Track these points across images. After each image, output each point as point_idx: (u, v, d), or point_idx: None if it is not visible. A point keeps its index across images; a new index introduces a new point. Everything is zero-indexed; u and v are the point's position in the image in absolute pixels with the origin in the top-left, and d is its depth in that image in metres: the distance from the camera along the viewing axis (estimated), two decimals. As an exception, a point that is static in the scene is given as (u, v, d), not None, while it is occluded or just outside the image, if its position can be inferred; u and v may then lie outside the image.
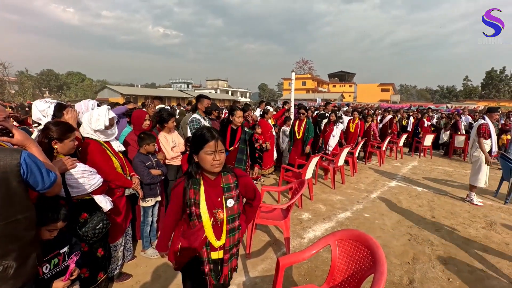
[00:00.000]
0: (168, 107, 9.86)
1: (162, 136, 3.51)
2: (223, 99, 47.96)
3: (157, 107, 5.29)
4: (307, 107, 7.04)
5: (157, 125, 3.70)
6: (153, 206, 3.18)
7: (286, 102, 7.73)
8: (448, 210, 4.79)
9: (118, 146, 2.66)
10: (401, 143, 9.36)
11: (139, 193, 2.77)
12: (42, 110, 2.38)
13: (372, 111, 10.42)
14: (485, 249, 3.57)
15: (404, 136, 9.66)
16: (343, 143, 7.43)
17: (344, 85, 60.95)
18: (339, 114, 8.33)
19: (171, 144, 3.51)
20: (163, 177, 3.25)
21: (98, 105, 2.72)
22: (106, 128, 2.38)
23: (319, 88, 57.86)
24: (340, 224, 4.12)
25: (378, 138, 8.91)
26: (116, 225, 2.50)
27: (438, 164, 8.71)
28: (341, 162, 5.96)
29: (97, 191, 2.00)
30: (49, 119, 2.35)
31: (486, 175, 4.96)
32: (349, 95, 56.56)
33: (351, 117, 8.09)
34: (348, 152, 6.50)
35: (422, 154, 9.83)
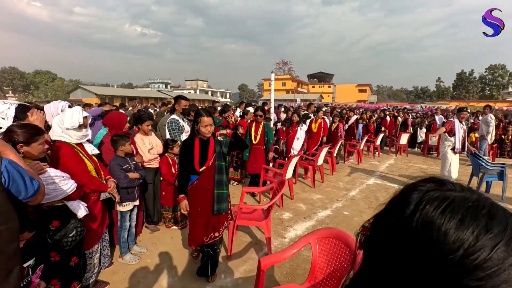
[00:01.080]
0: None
1: (139, 138, 3.42)
2: (202, 99, 47.34)
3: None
4: (288, 108, 7.09)
5: (134, 127, 3.60)
6: (131, 210, 3.09)
7: (265, 103, 7.77)
8: (423, 206, 4.96)
9: (92, 149, 2.56)
10: (378, 142, 9.64)
11: (116, 197, 2.68)
12: (0, 112, 2.15)
13: (338, 111, 10.34)
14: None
15: (381, 135, 9.97)
16: (323, 142, 7.54)
17: (323, 86, 62.03)
18: (305, 113, 7.96)
19: (148, 146, 3.42)
20: (141, 181, 3.16)
21: (69, 107, 2.60)
22: (80, 127, 2.27)
23: (299, 89, 58.57)
24: (320, 223, 4.18)
25: (343, 138, 8.44)
26: (92, 231, 2.40)
27: (413, 161, 9.05)
28: (320, 161, 6.05)
29: (70, 197, 1.90)
30: (10, 122, 2.14)
31: (451, 169, 5.21)
32: (328, 96, 57.58)
33: (314, 117, 7.56)
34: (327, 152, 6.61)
35: (398, 152, 10.17)
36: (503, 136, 10.15)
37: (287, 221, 4.21)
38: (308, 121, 7.73)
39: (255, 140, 5.20)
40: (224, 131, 2.77)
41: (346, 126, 9.43)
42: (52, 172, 1.84)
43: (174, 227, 3.86)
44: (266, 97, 46.41)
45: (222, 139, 2.72)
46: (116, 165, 2.86)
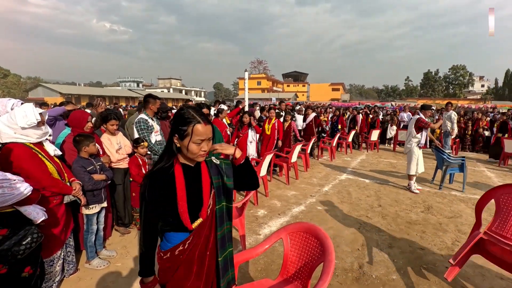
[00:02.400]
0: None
1: (105, 138, 3.28)
2: (176, 98, 46.24)
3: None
4: (263, 106, 7.05)
5: (101, 127, 3.45)
6: (98, 213, 2.95)
7: (239, 101, 7.74)
8: (393, 198, 5.18)
9: (53, 150, 2.41)
10: (350, 139, 9.93)
11: (81, 199, 2.55)
12: None
13: (290, 109, 9.94)
14: (423, 230, 3.93)
15: (353, 132, 10.27)
16: (298, 139, 7.62)
17: (298, 85, 62.97)
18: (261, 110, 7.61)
19: (116, 146, 3.29)
20: (109, 182, 3.03)
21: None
22: (39, 124, 2.12)
23: (274, 88, 59.06)
24: (295, 218, 4.23)
25: (300, 138, 8.00)
26: (53, 237, 2.26)
27: (384, 157, 9.41)
28: (294, 158, 6.13)
29: (25, 201, 1.76)
30: None
31: (418, 164, 5.48)
32: (303, 94, 58.57)
33: (267, 117, 6.77)
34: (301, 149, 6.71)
35: (369, 148, 10.54)
36: (466, 132, 10.81)
37: (262, 218, 4.22)
38: (299, 119, 7.82)
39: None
40: (220, 147, 1.38)
41: (304, 125, 8.83)
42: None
43: (146, 229, 3.75)
44: (241, 96, 46.34)
45: (218, 161, 1.47)
46: (79, 167, 2.71)
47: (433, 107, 6.81)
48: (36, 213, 1.78)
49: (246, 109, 7.30)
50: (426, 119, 5.45)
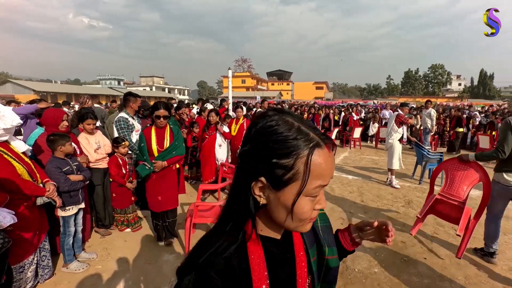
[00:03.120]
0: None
1: (83, 138, 3.16)
2: (159, 96, 45.00)
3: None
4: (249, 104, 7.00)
5: (79, 126, 3.32)
6: (76, 214, 2.85)
7: (223, 99, 7.69)
8: (375, 194, 5.29)
9: (25, 149, 2.29)
10: (333, 136, 10.06)
11: (56, 201, 2.44)
12: None
13: (252, 105, 9.89)
14: (404, 224, 4.03)
15: (336, 130, 10.43)
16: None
17: (282, 84, 63.32)
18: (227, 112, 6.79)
19: (95, 146, 3.18)
20: (87, 182, 2.93)
21: None
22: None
23: (259, 86, 59.15)
24: (279, 216, 4.24)
25: None
26: (24, 242, 2.14)
27: (366, 153, 9.60)
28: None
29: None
30: None
31: (399, 159, 5.63)
32: (287, 93, 58.96)
33: (234, 117, 6.11)
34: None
35: (352, 146, 10.72)
36: (445, 128, 11.19)
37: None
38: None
39: (161, 147, 4.56)
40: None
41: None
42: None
43: (128, 229, 3.66)
44: (225, 94, 46.08)
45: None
46: (53, 168, 2.60)
47: (411, 105, 7.06)
48: (3, 217, 1.68)
49: (231, 107, 7.24)
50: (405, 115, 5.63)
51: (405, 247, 3.41)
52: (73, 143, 2.80)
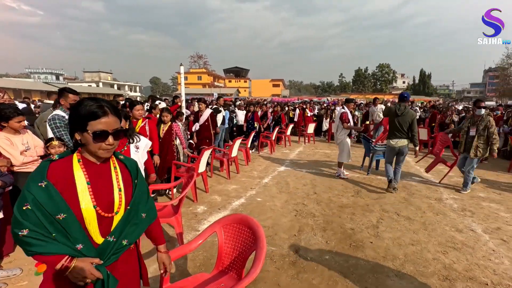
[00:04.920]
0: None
1: (3, 138, 2.77)
2: (107, 93, 41.37)
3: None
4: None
5: None
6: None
7: (176, 96, 7.46)
8: (327, 185, 5.54)
9: None
10: (288, 132, 10.34)
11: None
12: None
13: (209, 102, 9.53)
14: (353, 212, 4.28)
15: (291, 126, 10.73)
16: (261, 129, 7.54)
17: (240, 81, 63.34)
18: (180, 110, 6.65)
19: (21, 147, 2.83)
20: (9, 188, 2.60)
21: None
22: None
23: (216, 83, 58.45)
24: (235, 212, 4.24)
25: (193, 141, 6.60)
26: None
27: (319, 148, 10.01)
28: (234, 153, 6.14)
29: None
30: None
31: (348, 153, 5.96)
32: (245, 90, 59.13)
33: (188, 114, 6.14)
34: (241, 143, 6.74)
35: (306, 141, 11.11)
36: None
37: (201, 214, 4.13)
38: (240, 115, 7.61)
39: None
40: None
41: (198, 126, 6.50)
42: None
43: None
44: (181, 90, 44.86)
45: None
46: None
47: (360, 101, 7.50)
48: None
49: (184, 104, 7.05)
50: (349, 112, 5.93)
51: (353, 234, 3.62)
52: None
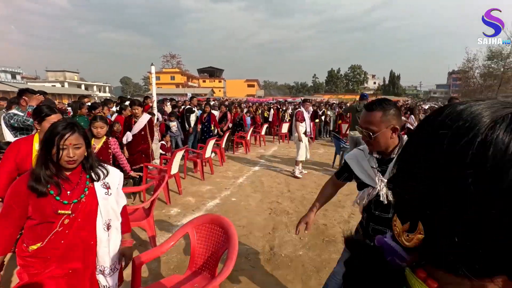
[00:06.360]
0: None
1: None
2: (73, 94, 38.90)
3: None
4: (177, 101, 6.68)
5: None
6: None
7: (147, 97, 7.27)
8: (300, 183, 5.65)
9: None
10: (263, 132, 10.42)
11: None
12: None
13: (181, 103, 9.39)
14: (326, 208, 4.37)
15: (266, 126, 10.83)
16: (220, 133, 7.46)
17: (214, 81, 62.88)
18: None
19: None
20: None
21: None
22: None
23: (189, 83, 57.61)
24: (209, 212, 4.21)
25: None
26: None
27: (294, 147, 10.09)
28: (208, 154, 6.09)
29: None
30: None
31: (305, 151, 6.07)
32: (219, 90, 58.81)
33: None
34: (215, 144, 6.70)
35: (281, 140, 11.25)
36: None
37: (175, 216, 4.07)
38: (193, 116, 7.46)
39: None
40: None
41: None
42: None
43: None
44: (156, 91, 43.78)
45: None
46: None
47: (333, 101, 7.74)
48: None
49: (155, 105, 6.86)
50: (304, 111, 6.06)
51: (326, 229, 3.73)
52: None
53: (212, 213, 2.23)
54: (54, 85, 46.36)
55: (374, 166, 1.63)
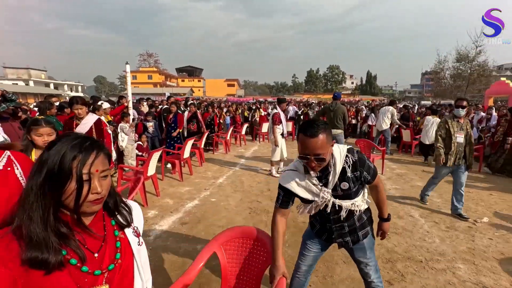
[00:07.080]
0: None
1: None
2: (40, 93, 36.13)
3: None
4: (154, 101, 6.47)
5: None
6: None
7: (122, 96, 7.03)
8: (280, 182, 5.64)
9: None
10: (243, 132, 10.38)
11: None
12: None
13: (158, 103, 9.31)
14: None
15: (246, 125, 10.80)
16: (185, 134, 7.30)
17: (193, 80, 62.08)
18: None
19: None
20: None
21: None
22: None
23: (168, 83, 56.55)
24: (188, 213, 4.12)
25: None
26: None
27: (273, 146, 10.18)
28: (186, 154, 5.97)
29: None
30: None
31: (280, 152, 5.98)
32: (199, 90, 58.15)
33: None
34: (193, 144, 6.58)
35: (261, 139, 11.25)
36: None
37: (152, 218, 3.94)
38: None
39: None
40: None
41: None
42: None
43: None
44: (132, 90, 42.59)
45: None
46: None
47: (312, 101, 7.76)
48: None
49: (131, 105, 6.64)
50: (281, 112, 5.92)
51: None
52: None
53: (240, 226, 2.05)
54: (16, 83, 42.45)
55: (316, 183, 1.66)
